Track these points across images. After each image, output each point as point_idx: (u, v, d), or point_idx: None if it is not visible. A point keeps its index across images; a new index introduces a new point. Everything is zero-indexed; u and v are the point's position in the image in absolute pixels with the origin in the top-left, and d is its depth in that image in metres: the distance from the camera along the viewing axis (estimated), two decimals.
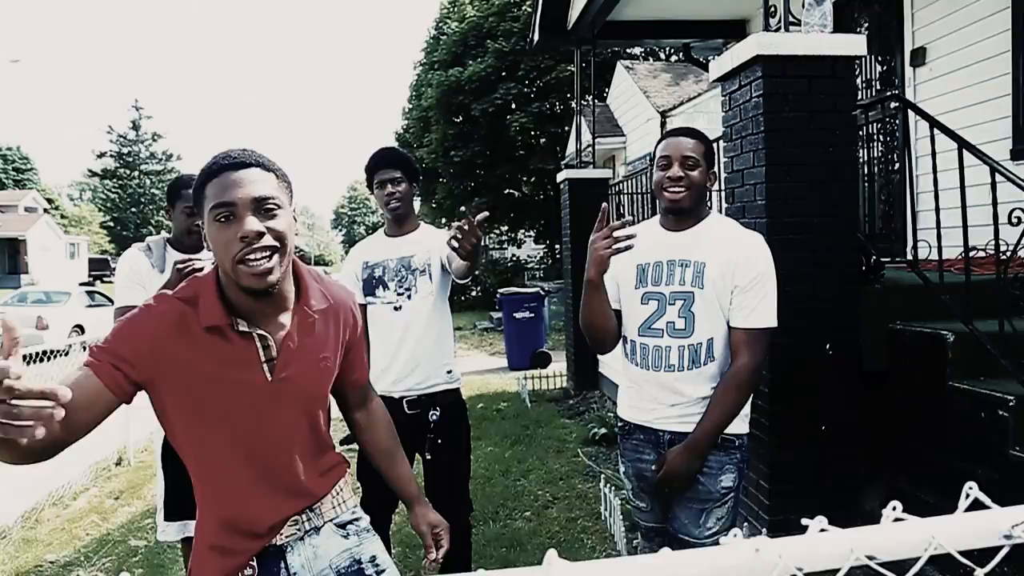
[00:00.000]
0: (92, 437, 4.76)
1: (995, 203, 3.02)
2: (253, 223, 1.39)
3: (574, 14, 8.04)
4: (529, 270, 21.97)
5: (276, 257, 1.41)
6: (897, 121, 5.87)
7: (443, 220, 30.97)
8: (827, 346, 3.39)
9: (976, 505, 0.85)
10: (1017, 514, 0.82)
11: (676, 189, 2.21)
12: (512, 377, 9.17)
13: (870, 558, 0.81)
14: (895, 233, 5.82)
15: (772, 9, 3.59)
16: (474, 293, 21.91)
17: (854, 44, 3.33)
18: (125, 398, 1.40)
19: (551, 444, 5.84)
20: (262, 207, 1.41)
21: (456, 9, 21.02)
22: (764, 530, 3.38)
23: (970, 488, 0.84)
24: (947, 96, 5.36)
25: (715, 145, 2.63)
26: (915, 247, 3.57)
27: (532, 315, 10.58)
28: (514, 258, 23.50)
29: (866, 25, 6.47)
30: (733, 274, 2.17)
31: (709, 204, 2.43)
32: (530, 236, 24.14)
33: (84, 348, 7.49)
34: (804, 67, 3.32)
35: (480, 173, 20.56)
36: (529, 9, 16.03)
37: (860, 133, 6.03)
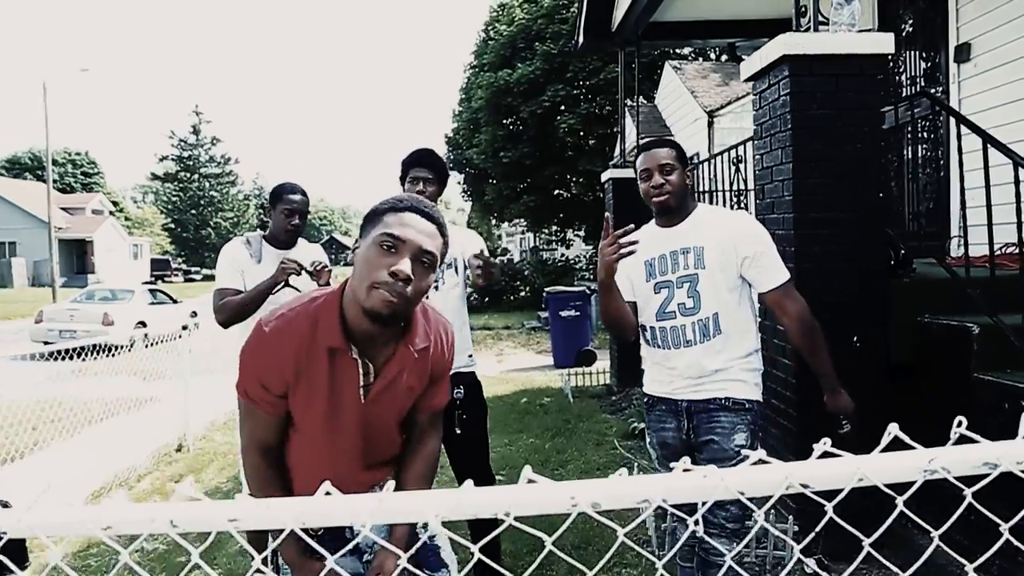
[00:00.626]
0: (154, 425, 5.05)
1: (1019, 198, 3.07)
2: (407, 266, 1.51)
3: (618, 16, 8.15)
4: (578, 270, 22.06)
5: (405, 303, 1.55)
6: (941, 119, 5.85)
7: (492, 220, 31.27)
8: (855, 339, 3.46)
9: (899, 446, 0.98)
10: (935, 452, 0.95)
11: (661, 195, 2.51)
12: (557, 374, 9.31)
13: (804, 486, 0.95)
14: (936, 230, 5.80)
15: (803, 9, 3.68)
16: (523, 293, 22.10)
17: (881, 42, 3.40)
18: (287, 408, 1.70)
19: (591, 437, 5.97)
20: (421, 259, 1.54)
21: (505, 12, 21.25)
22: (791, 517, 3.47)
23: (892, 428, 0.97)
24: (990, 92, 5.34)
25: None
26: (946, 242, 3.62)
27: (578, 314, 10.69)
28: (563, 258, 23.60)
29: (911, 21, 6.45)
30: (735, 248, 2.44)
31: (695, 197, 2.65)
32: (579, 236, 24.24)
33: (147, 344, 7.86)
34: (831, 66, 3.40)
35: (529, 174, 20.75)
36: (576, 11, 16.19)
37: (906, 131, 6.03)
